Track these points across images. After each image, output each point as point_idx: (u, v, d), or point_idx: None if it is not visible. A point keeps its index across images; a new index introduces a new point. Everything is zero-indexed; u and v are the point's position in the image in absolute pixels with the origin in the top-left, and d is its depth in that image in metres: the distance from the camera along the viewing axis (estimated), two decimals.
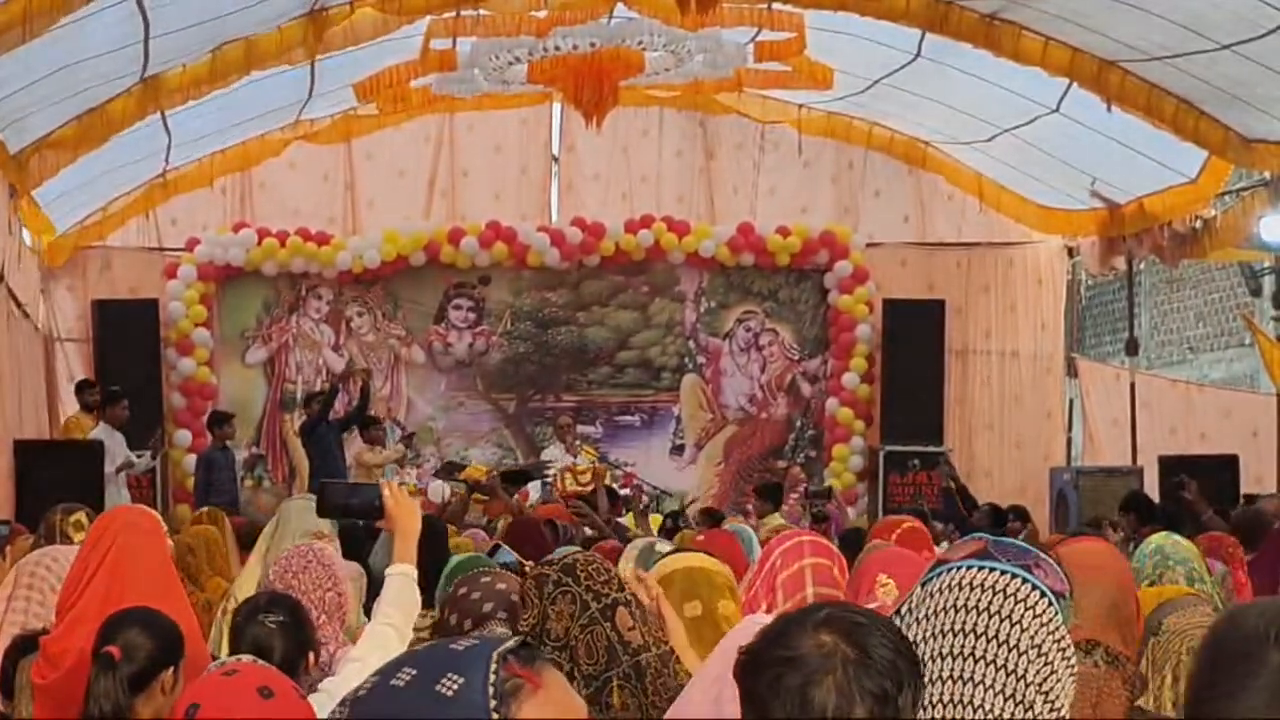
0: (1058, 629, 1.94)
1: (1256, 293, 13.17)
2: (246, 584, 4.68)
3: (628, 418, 15.00)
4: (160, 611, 3.30)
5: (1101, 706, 2.46)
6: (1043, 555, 2.03)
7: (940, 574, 1.99)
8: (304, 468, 13.22)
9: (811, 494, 12.80)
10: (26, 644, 3.75)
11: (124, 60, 9.41)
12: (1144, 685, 2.57)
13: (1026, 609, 1.93)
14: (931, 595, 1.97)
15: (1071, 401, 15.16)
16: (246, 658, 3.18)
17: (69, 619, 3.56)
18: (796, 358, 15.11)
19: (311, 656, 3.41)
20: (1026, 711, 1.89)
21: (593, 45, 11.29)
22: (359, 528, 6.53)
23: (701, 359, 15.09)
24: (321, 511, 3.87)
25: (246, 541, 7.81)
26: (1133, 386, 13.21)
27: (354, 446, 13.11)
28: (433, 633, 2.78)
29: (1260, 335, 11.60)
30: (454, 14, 10.89)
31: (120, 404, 11.69)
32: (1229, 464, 10.86)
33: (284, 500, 6.27)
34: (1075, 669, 1.96)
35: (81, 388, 12.53)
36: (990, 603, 1.93)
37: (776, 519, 10.27)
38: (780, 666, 1.67)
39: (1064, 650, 1.94)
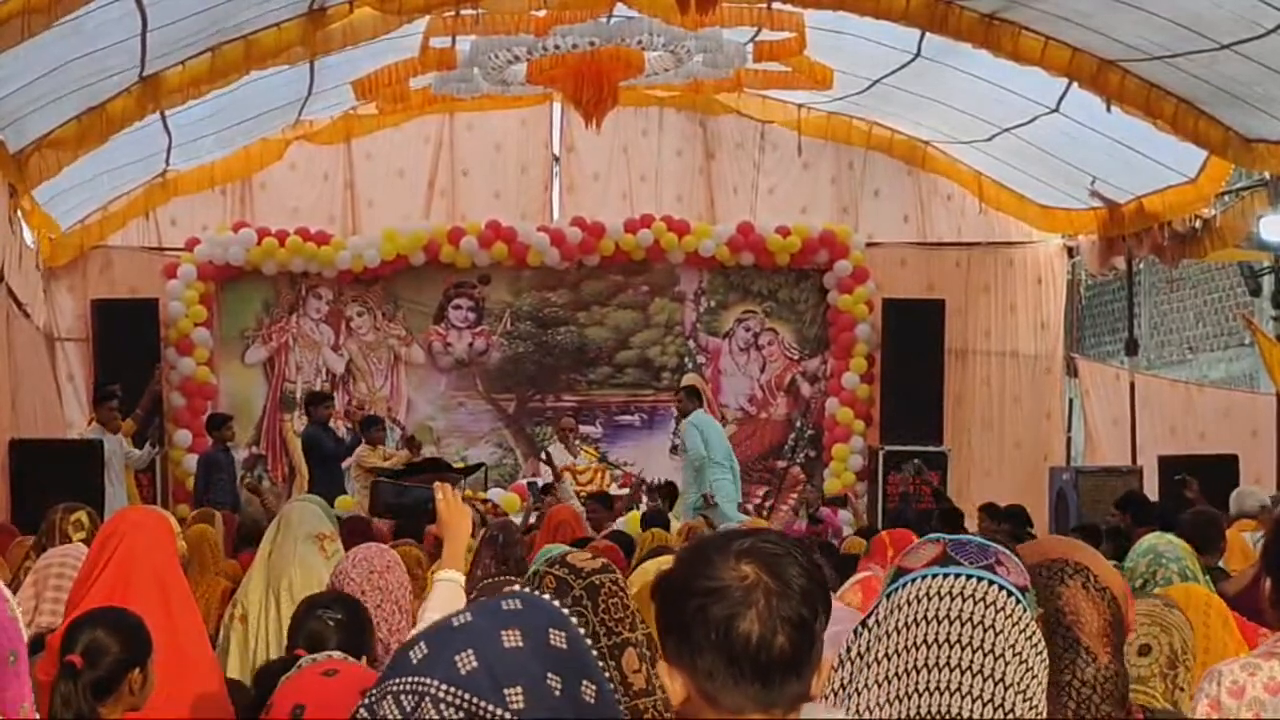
0: (1028, 626, 1.96)
1: (1256, 293, 13.15)
2: (253, 588, 4.66)
3: (628, 417, 14.99)
4: (126, 610, 3.28)
5: None
6: (1003, 550, 2.04)
7: (905, 584, 2.00)
8: (304, 468, 13.22)
9: (812, 518, 12.70)
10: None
11: (122, 55, 9.40)
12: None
13: (997, 612, 1.94)
14: (899, 607, 1.98)
15: (1071, 401, 15.14)
16: (330, 654, 3.20)
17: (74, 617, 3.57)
18: (796, 357, 15.11)
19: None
20: (1008, 715, 1.90)
21: (592, 44, 11.29)
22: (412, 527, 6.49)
23: (701, 359, 15.08)
24: (373, 510, 3.83)
25: (248, 539, 7.84)
26: (1132, 386, 13.20)
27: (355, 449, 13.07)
28: None
29: (1260, 335, 11.58)
30: (453, 12, 10.89)
31: (108, 405, 11.62)
32: (1228, 464, 10.86)
33: (285, 503, 6.26)
34: (1047, 661, 1.97)
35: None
36: (961, 610, 1.94)
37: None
38: (704, 597, 1.76)
39: (1036, 647, 1.96)
